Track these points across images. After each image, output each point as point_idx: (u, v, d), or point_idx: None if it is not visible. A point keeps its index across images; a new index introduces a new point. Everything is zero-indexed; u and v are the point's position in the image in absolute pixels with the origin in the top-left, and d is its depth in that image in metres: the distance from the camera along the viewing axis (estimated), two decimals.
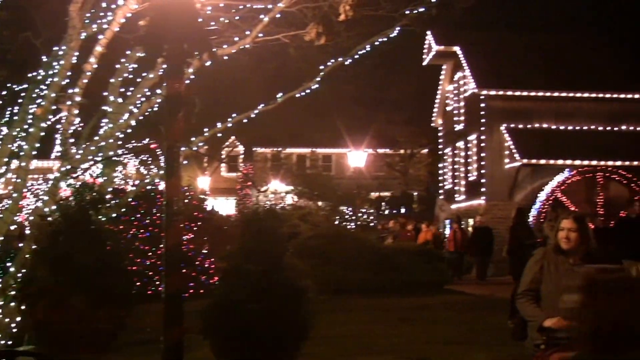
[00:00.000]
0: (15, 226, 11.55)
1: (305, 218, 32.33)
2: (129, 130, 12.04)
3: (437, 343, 13.79)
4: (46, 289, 11.00)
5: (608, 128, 33.64)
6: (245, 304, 10.36)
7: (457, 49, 36.84)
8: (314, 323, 11.50)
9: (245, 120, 12.66)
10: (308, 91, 12.59)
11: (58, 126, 11.83)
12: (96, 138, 11.69)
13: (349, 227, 37.63)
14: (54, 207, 11.39)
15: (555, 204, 29.69)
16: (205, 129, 12.59)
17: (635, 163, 30.98)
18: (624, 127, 33.75)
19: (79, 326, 12.17)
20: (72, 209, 11.05)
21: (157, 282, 19.27)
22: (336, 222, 37.19)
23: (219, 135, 12.63)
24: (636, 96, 33.96)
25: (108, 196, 14.27)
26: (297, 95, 12.65)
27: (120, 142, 12.49)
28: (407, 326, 15.96)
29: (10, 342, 9.96)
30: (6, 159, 11.13)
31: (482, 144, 35.90)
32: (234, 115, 12.50)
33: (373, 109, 51.57)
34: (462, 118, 39.34)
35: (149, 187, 20.32)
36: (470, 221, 33.77)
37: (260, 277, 10.65)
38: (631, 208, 25.83)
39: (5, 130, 11.10)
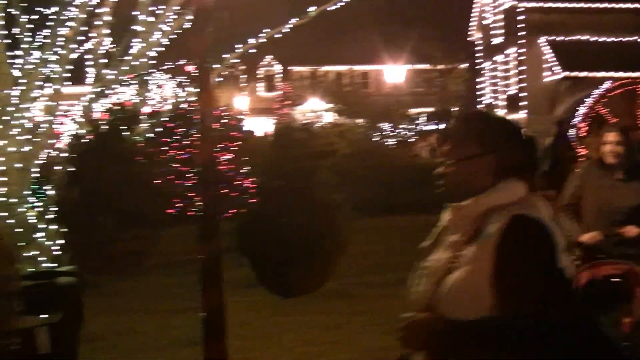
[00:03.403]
0: (56, 152, 11.54)
1: (343, 135, 32.16)
2: (162, 49, 11.90)
3: None
4: (78, 210, 11.03)
5: None
6: (277, 219, 10.34)
7: None
8: (349, 238, 11.49)
9: (278, 36, 12.44)
10: (342, 3, 12.29)
11: (89, 46, 11.70)
12: (127, 58, 11.57)
13: (387, 143, 37.46)
14: (87, 128, 11.34)
15: (596, 117, 29.25)
16: (238, 46, 12.41)
17: None
18: None
19: (109, 247, 12.23)
20: (105, 129, 11.01)
21: (197, 204, 19.36)
22: (375, 139, 37.01)
23: (254, 51, 12.44)
24: None
25: (142, 117, 14.23)
26: (331, 9, 12.35)
27: (153, 62, 12.36)
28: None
29: (54, 265, 10.04)
30: (40, 83, 11.06)
31: (521, 57, 35.43)
32: (266, 30, 12.29)
33: (409, 25, 50.96)
34: (500, 31, 38.76)
35: (185, 108, 20.27)
36: None
37: (291, 193, 10.60)
38: None
39: (36, 54, 11.02)
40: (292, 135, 10.60)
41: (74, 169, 11.43)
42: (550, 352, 3.20)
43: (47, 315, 7.54)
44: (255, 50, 12.68)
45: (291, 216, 10.63)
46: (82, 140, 11.72)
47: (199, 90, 8.08)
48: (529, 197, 3.44)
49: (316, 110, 44.76)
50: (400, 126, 44.26)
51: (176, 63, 20.56)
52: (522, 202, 3.38)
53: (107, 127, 11.25)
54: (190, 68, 23.65)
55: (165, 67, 18.87)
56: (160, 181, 14.41)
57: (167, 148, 19.82)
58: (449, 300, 3.33)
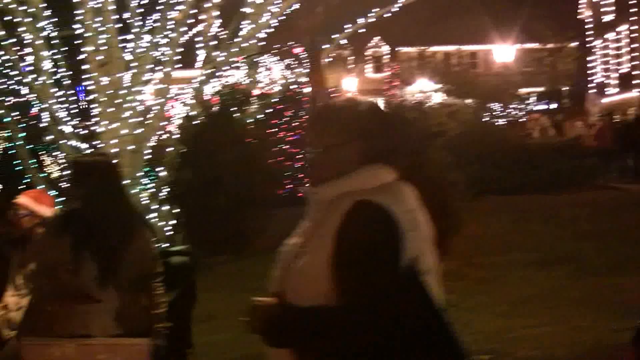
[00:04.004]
0: (168, 134, 11.70)
1: (453, 116, 31.82)
2: (271, 30, 11.92)
3: (582, 240, 13.45)
4: (190, 190, 11.12)
5: None
6: None
7: None
8: (462, 219, 11.31)
9: (387, 15, 12.33)
10: None
11: (199, 29, 11.79)
12: (237, 40, 11.62)
13: (497, 124, 36.98)
14: (199, 110, 11.44)
15: None
16: (347, 26, 12.36)
17: None
18: None
19: (221, 228, 12.28)
20: (216, 111, 11.07)
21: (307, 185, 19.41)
22: (484, 120, 36.57)
23: (363, 31, 12.38)
24: None
25: (252, 98, 14.28)
26: None
27: (262, 43, 12.40)
28: (551, 224, 15.61)
29: (166, 245, 10.17)
30: (151, 67, 11.20)
31: (634, 35, 34.56)
32: (375, 10, 12.20)
33: (518, 3, 50.12)
34: (611, 8, 37.89)
35: (294, 90, 20.31)
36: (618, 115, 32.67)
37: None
38: None
39: (147, 38, 11.15)
40: (404, 115, 10.45)
41: (186, 150, 11.55)
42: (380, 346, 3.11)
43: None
44: (364, 30, 12.62)
45: None
46: (193, 122, 11.83)
47: (309, 70, 8.05)
48: (393, 184, 3.30)
49: (425, 91, 44.41)
50: (510, 106, 43.65)
51: (285, 45, 20.62)
52: (382, 189, 3.23)
53: (219, 108, 11.30)
54: (299, 50, 23.72)
55: (274, 50, 18.93)
56: (271, 162, 14.42)
57: (277, 130, 19.93)
58: (292, 286, 3.27)
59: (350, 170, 3.29)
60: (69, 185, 4.95)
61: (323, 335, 3.15)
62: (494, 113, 40.12)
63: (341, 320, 3.10)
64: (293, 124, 20.76)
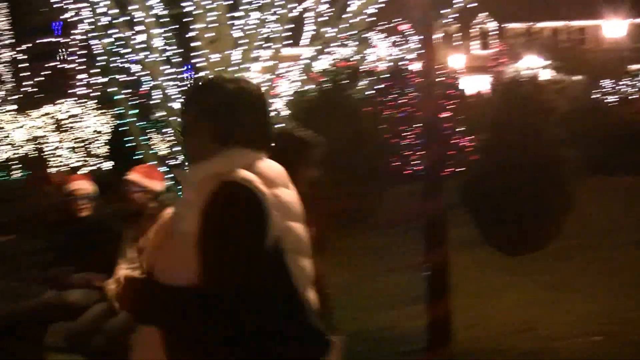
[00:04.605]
0: (276, 112, 11.70)
1: (562, 92, 31.25)
2: (382, 5, 11.79)
3: None
4: None
5: None
6: (504, 176, 10.10)
7: None
8: (577, 197, 11.12)
9: None
10: None
11: (307, 4, 11.72)
12: (346, 16, 11.52)
13: (607, 101, 36.18)
14: (309, 86, 11.38)
15: None
16: (457, 0, 12.15)
17: None
18: None
19: (334, 204, 12.26)
20: (327, 87, 11.03)
21: (414, 162, 19.28)
22: (594, 97, 35.82)
23: (474, 5, 12.16)
24: None
25: (361, 75, 14.21)
26: None
27: (371, 19, 12.29)
28: None
29: None
30: (260, 44, 11.19)
31: None
32: None
33: None
34: None
35: (401, 67, 20.23)
36: None
37: (518, 149, 10.32)
38: None
39: (256, 14, 11.14)
40: (518, 90, 10.23)
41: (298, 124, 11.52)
42: (232, 329, 3.15)
43: None
44: (475, 4, 12.40)
45: (519, 173, 10.35)
46: (304, 98, 11.80)
47: (420, 45, 7.96)
48: (259, 165, 3.39)
49: (532, 67, 43.77)
50: (621, 83, 42.72)
51: (393, 21, 20.49)
52: (247, 170, 3.30)
53: (330, 85, 11.25)
54: (405, 27, 23.57)
55: (382, 26, 18.81)
56: (383, 139, 14.38)
57: (384, 107, 19.86)
58: (160, 265, 3.33)
59: (210, 151, 3.40)
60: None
61: (184, 316, 3.19)
62: (603, 90, 39.29)
63: (200, 302, 3.13)
64: (399, 101, 20.69)
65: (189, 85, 3.65)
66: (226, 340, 3.17)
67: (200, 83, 3.71)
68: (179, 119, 10.94)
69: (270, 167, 3.46)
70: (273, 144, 3.66)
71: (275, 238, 3.24)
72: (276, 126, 11.34)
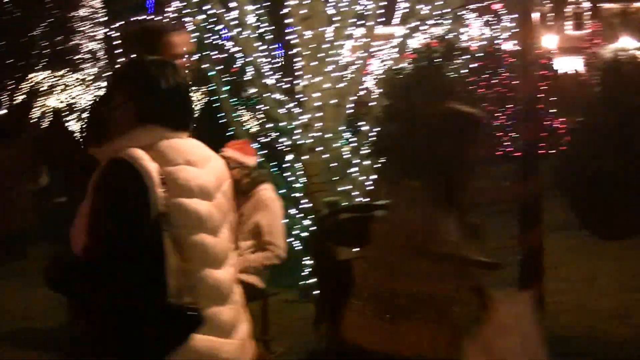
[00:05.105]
0: (369, 89, 11.64)
1: None
2: None
3: None
4: (395, 145, 11.01)
5: None
6: (602, 159, 9.89)
7: None
8: None
9: None
10: None
11: None
12: None
13: None
14: (403, 64, 11.27)
15: None
16: None
17: None
18: None
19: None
20: (421, 65, 10.91)
21: (506, 144, 19.10)
22: None
23: None
24: None
25: (456, 53, 14.06)
26: None
27: None
28: None
29: (367, 199, 10.17)
30: (353, 21, 11.12)
31: None
32: None
33: None
34: None
35: (494, 47, 20.04)
36: None
37: (620, 130, 10.08)
38: None
39: None
40: (618, 71, 9.98)
41: (390, 104, 11.44)
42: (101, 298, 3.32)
43: (361, 248, 7.58)
44: None
45: (617, 155, 10.12)
46: (398, 76, 11.68)
47: (516, 25, 7.82)
48: (160, 143, 3.51)
49: (628, 48, 42.86)
50: None
51: (485, 1, 20.23)
52: (148, 147, 3.44)
53: (424, 63, 11.13)
54: (498, 6, 23.26)
55: (475, 4, 18.57)
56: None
57: (477, 87, 19.69)
58: (73, 239, 3.48)
59: (128, 129, 3.54)
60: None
61: (76, 287, 3.42)
62: None
63: (81, 272, 3.36)
64: (492, 81, 20.51)
65: (118, 65, 4.00)
66: (101, 310, 3.37)
67: (127, 63, 3.91)
68: (272, 95, 10.97)
69: (176, 146, 3.57)
70: (438, 120, 3.67)
71: (159, 214, 3.36)
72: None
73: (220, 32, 11.35)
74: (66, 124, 28.34)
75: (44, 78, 42.25)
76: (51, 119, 22.28)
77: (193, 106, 3.83)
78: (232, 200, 3.89)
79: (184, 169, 3.53)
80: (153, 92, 3.59)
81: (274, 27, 11.47)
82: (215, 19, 11.27)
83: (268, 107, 11.06)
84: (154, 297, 3.35)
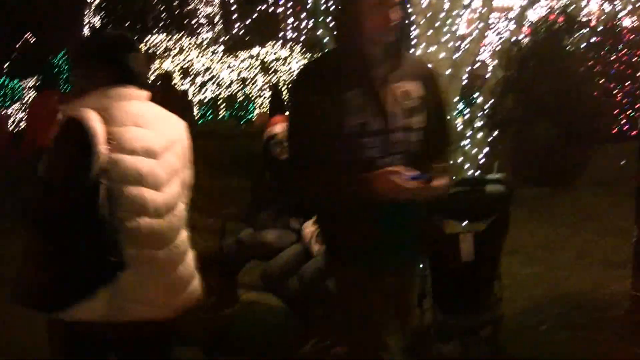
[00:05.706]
0: (485, 60, 11.47)
1: None
2: None
3: None
4: (511, 118, 10.81)
5: None
6: None
7: None
8: None
9: None
10: None
11: None
12: None
13: None
14: (522, 36, 11.02)
15: None
16: None
17: None
18: None
19: (540, 158, 11.90)
20: (541, 37, 10.65)
21: (623, 122, 18.59)
22: None
23: None
24: None
25: (577, 26, 13.69)
26: None
27: None
28: None
29: (479, 172, 10.05)
30: None
31: None
32: None
33: None
34: None
35: (614, 22, 19.47)
36: None
37: None
38: None
39: None
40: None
41: (508, 76, 11.21)
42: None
43: (472, 223, 7.49)
44: None
45: None
46: (517, 48, 11.43)
47: None
48: (110, 105, 4.02)
49: None
50: None
51: None
52: (97, 106, 3.95)
53: (544, 35, 10.85)
54: None
55: None
56: (596, 95, 13.80)
57: (595, 63, 19.20)
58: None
59: (92, 90, 4.13)
60: None
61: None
62: None
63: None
64: (610, 58, 19.97)
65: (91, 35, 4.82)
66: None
67: (96, 34, 4.55)
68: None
69: (128, 109, 4.09)
70: None
71: (100, 168, 3.82)
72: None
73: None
74: (176, 87, 28.64)
75: (161, 41, 42.76)
76: (161, 81, 22.64)
77: (148, 74, 4.46)
78: (185, 160, 4.40)
79: (130, 129, 4.06)
80: (124, 60, 4.21)
81: None
82: None
83: None
84: (86, 240, 3.80)
